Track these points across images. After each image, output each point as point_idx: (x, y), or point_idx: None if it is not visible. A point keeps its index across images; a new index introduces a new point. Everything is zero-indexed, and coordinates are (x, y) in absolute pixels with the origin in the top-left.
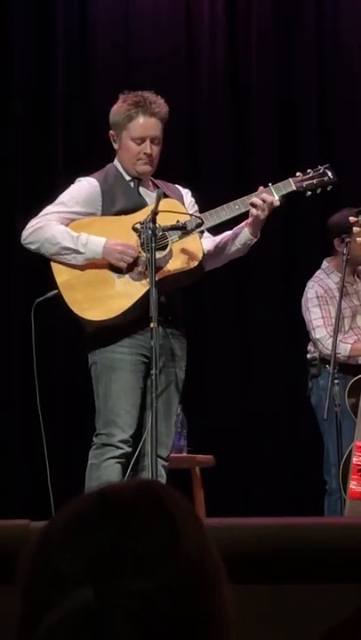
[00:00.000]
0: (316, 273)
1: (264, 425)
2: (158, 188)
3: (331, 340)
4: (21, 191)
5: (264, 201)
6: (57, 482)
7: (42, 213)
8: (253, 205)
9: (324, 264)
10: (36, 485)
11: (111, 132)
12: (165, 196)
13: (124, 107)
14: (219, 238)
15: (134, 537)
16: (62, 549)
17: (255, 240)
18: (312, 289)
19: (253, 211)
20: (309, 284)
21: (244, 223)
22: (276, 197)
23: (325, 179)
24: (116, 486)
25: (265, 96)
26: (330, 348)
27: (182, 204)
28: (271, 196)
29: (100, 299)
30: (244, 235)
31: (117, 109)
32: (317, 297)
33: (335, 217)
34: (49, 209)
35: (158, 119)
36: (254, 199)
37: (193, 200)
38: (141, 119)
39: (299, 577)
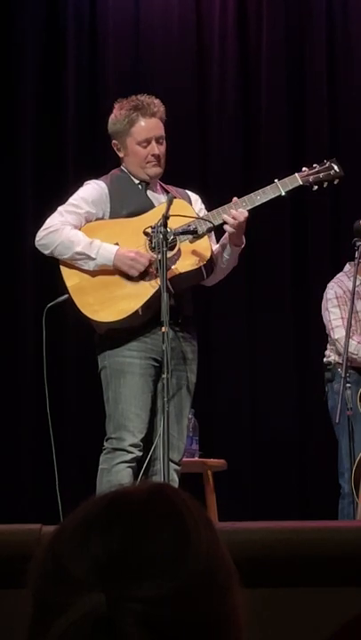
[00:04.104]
0: (338, 275)
1: (275, 428)
2: (168, 192)
3: (350, 340)
4: (31, 195)
5: (235, 218)
6: (68, 487)
7: (56, 215)
8: (226, 222)
9: (347, 267)
10: (47, 490)
11: (114, 141)
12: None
13: (123, 113)
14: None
15: (145, 540)
16: (73, 552)
17: (241, 247)
18: (332, 289)
19: (227, 228)
20: (330, 284)
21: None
22: (247, 209)
23: (332, 172)
24: (126, 489)
25: (275, 97)
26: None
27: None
28: (241, 209)
29: (111, 300)
30: (228, 247)
31: (116, 118)
32: (337, 297)
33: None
34: (62, 210)
35: (158, 118)
36: (225, 216)
37: (202, 207)
38: (143, 122)
39: (310, 580)
